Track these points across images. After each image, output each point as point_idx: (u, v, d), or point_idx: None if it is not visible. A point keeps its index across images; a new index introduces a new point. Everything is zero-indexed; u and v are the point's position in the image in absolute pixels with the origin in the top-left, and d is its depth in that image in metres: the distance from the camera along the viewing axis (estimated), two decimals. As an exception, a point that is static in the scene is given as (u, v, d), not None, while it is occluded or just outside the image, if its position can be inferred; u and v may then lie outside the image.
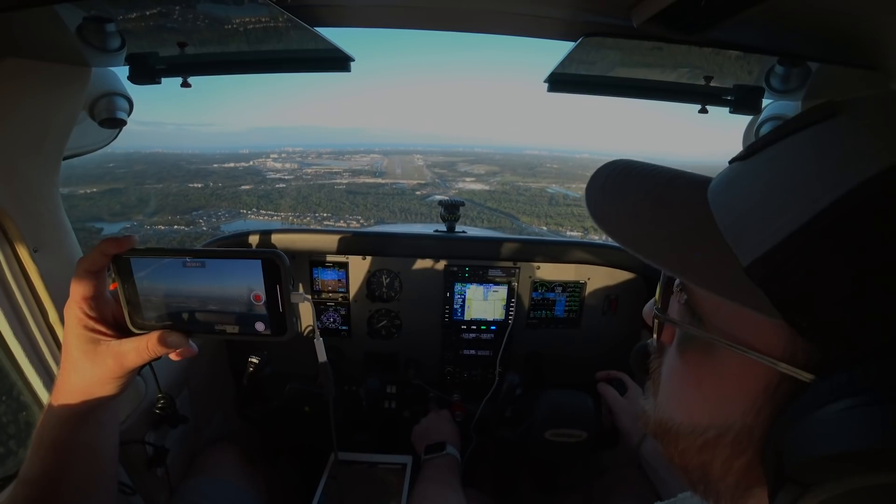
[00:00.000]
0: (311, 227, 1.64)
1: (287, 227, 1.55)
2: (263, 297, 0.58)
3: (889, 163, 0.25)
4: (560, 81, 1.08)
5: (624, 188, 0.38)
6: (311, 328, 1.52)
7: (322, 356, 0.77)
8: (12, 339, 0.88)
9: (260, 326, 0.60)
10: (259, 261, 0.57)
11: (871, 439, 0.22)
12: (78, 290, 0.56)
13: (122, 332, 0.59)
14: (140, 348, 0.57)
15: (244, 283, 0.58)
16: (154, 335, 0.58)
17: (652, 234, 0.34)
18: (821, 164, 0.28)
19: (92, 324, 0.57)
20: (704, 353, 0.34)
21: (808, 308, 0.27)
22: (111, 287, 0.60)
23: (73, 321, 0.56)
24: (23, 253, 0.85)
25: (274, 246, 1.45)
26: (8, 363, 0.91)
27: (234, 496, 1.18)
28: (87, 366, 0.56)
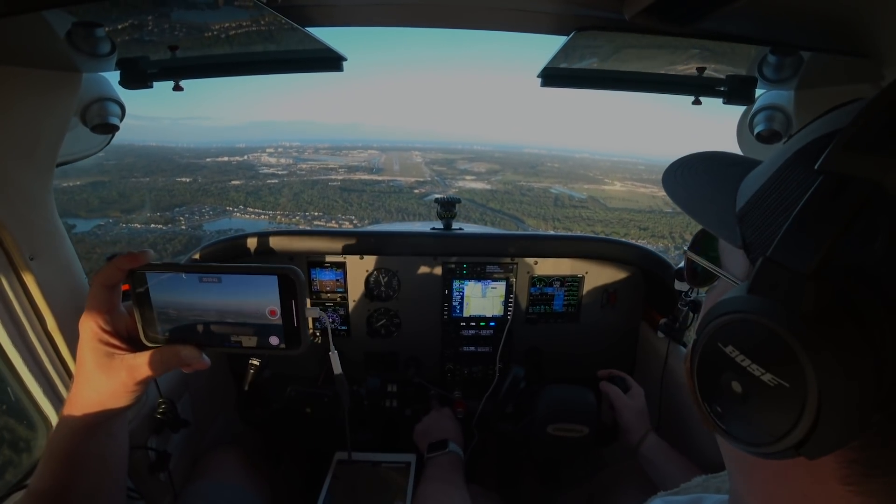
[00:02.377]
0: (309, 229, 1.65)
1: (285, 230, 1.55)
2: (278, 312, 0.59)
3: (816, 134, 0.34)
4: (553, 76, 1.08)
5: (689, 176, 0.50)
6: (310, 330, 1.52)
7: (338, 369, 0.78)
8: (10, 347, 0.87)
9: (274, 340, 0.60)
10: (275, 276, 0.58)
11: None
12: (93, 304, 0.57)
13: (135, 345, 0.60)
14: (154, 362, 0.58)
15: (260, 298, 0.58)
16: (167, 349, 0.59)
17: (703, 208, 0.45)
18: (793, 145, 0.36)
19: (106, 337, 0.57)
20: (715, 287, 0.44)
21: (749, 233, 0.36)
22: (124, 288, 0.60)
23: (89, 335, 0.57)
24: (18, 261, 0.84)
25: (272, 248, 1.45)
26: (7, 371, 0.90)
27: (238, 499, 1.18)
28: (102, 379, 0.57)
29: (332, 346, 0.75)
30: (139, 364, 0.57)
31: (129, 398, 0.59)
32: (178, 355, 0.59)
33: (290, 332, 0.60)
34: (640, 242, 1.64)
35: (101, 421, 0.58)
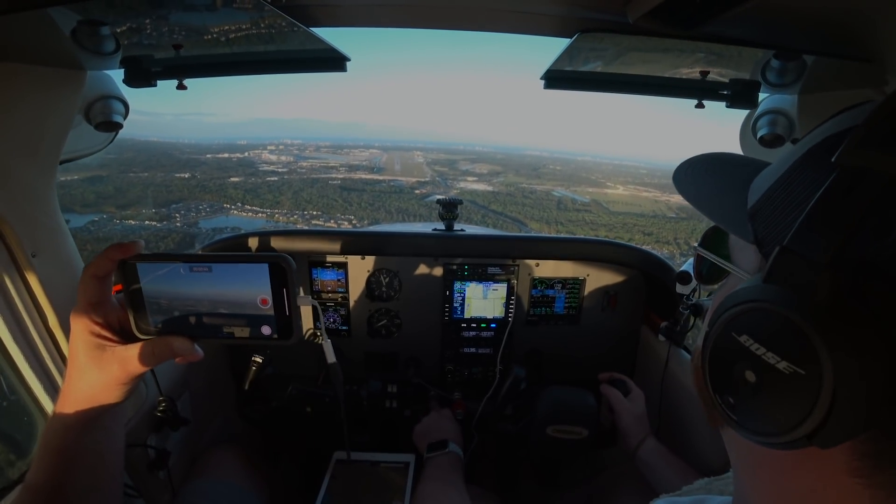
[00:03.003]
0: (311, 228, 1.65)
1: (285, 229, 1.55)
2: (270, 301, 0.58)
3: (828, 133, 0.34)
4: (556, 78, 1.08)
5: (699, 176, 0.50)
6: (311, 331, 1.53)
7: (331, 357, 0.78)
8: (12, 344, 0.87)
9: (266, 330, 0.60)
10: (266, 265, 0.57)
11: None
12: (84, 296, 0.56)
13: (127, 337, 0.59)
14: (145, 354, 0.57)
15: (251, 288, 0.58)
16: (159, 341, 0.58)
17: (715, 206, 0.45)
18: (806, 144, 0.37)
19: (98, 329, 0.57)
20: (725, 284, 0.45)
21: (761, 229, 0.37)
22: (115, 289, 0.60)
23: (80, 327, 0.56)
24: (21, 258, 0.84)
25: (274, 248, 1.45)
26: (8, 368, 0.91)
27: (237, 497, 1.18)
28: (94, 372, 0.56)
29: (325, 336, 0.75)
30: (131, 356, 0.56)
31: (121, 392, 0.58)
32: (170, 347, 0.58)
33: (282, 322, 0.59)
34: (645, 247, 1.63)
35: (95, 415, 0.57)
